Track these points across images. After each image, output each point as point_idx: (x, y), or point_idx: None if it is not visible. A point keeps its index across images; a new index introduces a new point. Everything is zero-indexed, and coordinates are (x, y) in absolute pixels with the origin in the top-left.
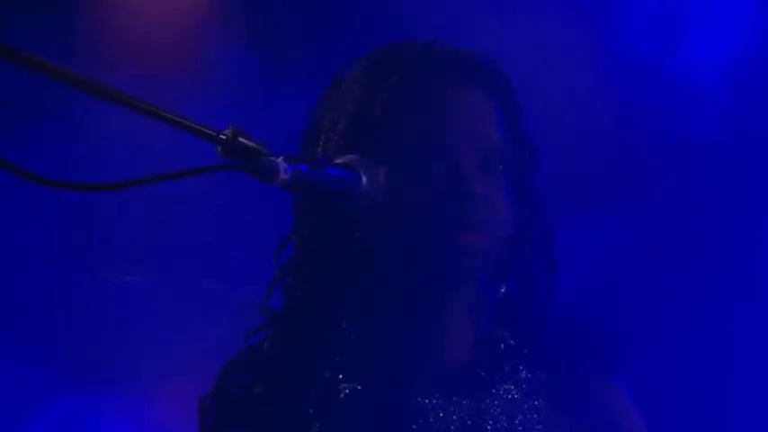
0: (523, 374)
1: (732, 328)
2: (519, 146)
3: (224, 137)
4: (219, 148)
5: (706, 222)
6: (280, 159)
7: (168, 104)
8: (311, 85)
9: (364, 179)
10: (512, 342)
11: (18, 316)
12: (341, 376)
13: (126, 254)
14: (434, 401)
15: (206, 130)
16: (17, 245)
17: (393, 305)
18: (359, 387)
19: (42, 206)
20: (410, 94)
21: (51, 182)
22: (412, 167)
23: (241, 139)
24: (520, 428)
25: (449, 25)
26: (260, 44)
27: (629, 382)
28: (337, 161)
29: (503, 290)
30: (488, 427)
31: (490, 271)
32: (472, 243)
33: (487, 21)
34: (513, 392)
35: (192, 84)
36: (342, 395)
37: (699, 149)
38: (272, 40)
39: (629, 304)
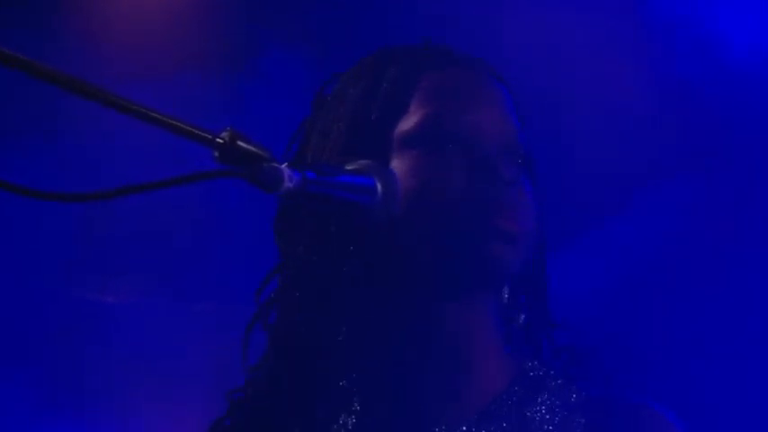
0: (557, 396)
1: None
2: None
3: (221, 140)
4: (216, 153)
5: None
6: (283, 165)
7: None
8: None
9: (379, 187)
10: (533, 370)
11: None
12: (342, 416)
13: (116, 274)
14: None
15: (200, 133)
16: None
17: (413, 327)
18: (365, 419)
19: (31, 223)
20: (422, 86)
21: (37, 193)
22: (433, 163)
23: (240, 143)
24: None
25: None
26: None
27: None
28: (349, 167)
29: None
30: None
31: (516, 275)
32: (508, 228)
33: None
34: (549, 414)
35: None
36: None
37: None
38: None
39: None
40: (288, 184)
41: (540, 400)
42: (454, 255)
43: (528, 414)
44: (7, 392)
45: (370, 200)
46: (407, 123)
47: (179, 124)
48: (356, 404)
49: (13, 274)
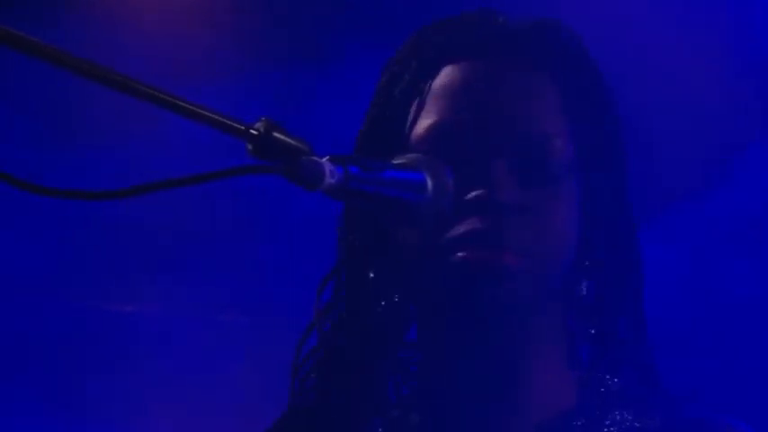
0: (629, 422)
1: None
2: (596, 142)
3: (255, 132)
4: (250, 146)
5: None
6: (324, 159)
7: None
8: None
9: (430, 183)
10: (604, 386)
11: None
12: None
13: (134, 283)
14: None
15: (233, 124)
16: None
17: (464, 339)
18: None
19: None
20: (428, 81)
21: (47, 190)
22: (440, 172)
23: (276, 135)
24: None
25: None
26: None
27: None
28: (396, 161)
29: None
30: None
31: (556, 300)
32: (497, 264)
33: None
34: None
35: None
36: None
37: None
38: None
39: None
40: (330, 180)
41: (611, 419)
42: (449, 290)
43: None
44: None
45: (419, 197)
46: (415, 130)
47: (209, 114)
48: (415, 416)
49: (25, 282)
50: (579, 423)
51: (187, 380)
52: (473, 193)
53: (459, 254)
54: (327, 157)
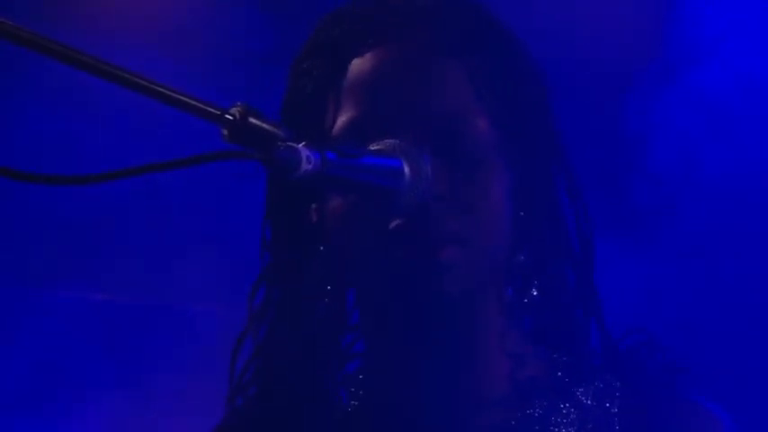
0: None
1: None
2: (519, 122)
3: (230, 117)
4: (225, 132)
5: None
6: (301, 146)
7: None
8: None
9: (407, 169)
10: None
11: None
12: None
13: (108, 271)
14: None
15: (208, 108)
16: None
17: (390, 343)
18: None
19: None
20: (338, 76)
21: (27, 176)
22: (417, 158)
23: (252, 120)
24: None
25: None
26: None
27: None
28: (373, 147)
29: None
30: None
31: (499, 285)
32: (435, 258)
33: None
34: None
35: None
36: None
37: None
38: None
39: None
40: (306, 167)
41: (569, 400)
42: (392, 285)
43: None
44: None
45: (396, 183)
46: (335, 128)
47: (184, 98)
48: (354, 402)
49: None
50: (538, 408)
51: (160, 370)
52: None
53: (397, 252)
54: (304, 143)
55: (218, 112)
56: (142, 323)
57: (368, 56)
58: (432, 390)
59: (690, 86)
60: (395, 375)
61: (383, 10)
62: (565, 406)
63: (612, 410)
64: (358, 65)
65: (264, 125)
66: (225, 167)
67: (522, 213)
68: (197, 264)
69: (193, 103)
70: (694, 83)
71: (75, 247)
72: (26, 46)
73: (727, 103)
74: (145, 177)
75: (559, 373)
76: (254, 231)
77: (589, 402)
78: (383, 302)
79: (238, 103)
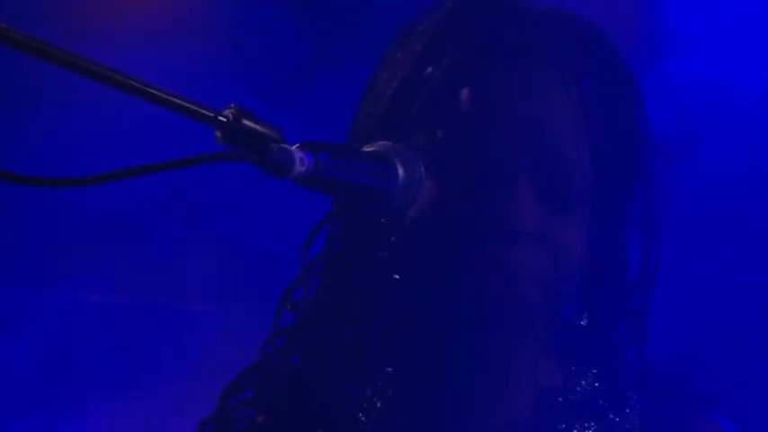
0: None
1: None
2: (616, 166)
3: (224, 119)
4: (219, 134)
5: None
6: (294, 147)
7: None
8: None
9: (401, 171)
10: (590, 386)
11: None
12: (362, 417)
13: (108, 272)
14: None
15: (201, 111)
16: None
17: (429, 345)
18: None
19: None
20: (468, 75)
21: (27, 179)
22: (454, 173)
23: (246, 122)
24: None
25: None
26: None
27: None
28: (367, 149)
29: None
30: None
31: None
32: (510, 293)
33: None
34: None
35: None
36: None
37: None
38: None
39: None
40: (299, 168)
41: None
42: (453, 298)
43: None
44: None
45: (390, 184)
46: (438, 122)
47: (177, 100)
48: (378, 404)
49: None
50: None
51: (161, 370)
52: (493, 215)
53: (474, 280)
54: (297, 145)
55: (212, 114)
56: (142, 323)
57: (488, 70)
58: (459, 401)
59: (662, 79)
60: (429, 382)
61: (502, 15)
62: (590, 424)
63: None
64: (476, 78)
65: (258, 127)
66: (225, 168)
67: (589, 252)
68: (197, 264)
69: (186, 105)
70: (667, 76)
71: (76, 248)
72: (19, 49)
73: (697, 96)
74: (145, 178)
75: (592, 397)
76: (254, 232)
77: (619, 425)
78: (455, 302)
79: (231, 105)
